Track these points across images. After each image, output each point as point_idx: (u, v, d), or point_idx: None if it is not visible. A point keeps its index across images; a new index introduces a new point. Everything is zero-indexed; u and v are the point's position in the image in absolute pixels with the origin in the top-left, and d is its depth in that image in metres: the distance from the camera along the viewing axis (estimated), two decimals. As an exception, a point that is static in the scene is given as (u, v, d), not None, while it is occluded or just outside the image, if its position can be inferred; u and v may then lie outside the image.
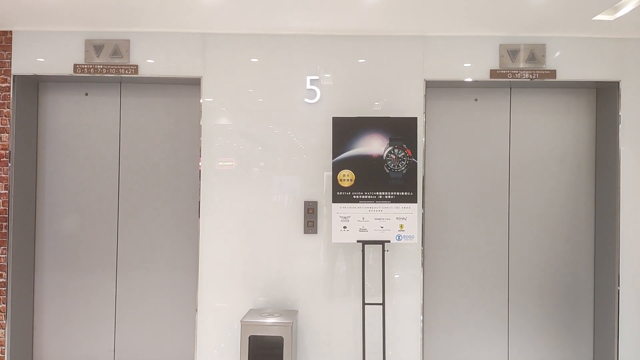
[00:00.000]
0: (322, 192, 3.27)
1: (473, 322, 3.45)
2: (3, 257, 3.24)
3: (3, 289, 3.24)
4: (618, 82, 3.23)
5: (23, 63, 3.27)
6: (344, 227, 3.03)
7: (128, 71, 3.26)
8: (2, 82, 3.25)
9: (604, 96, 3.38)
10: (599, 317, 3.39)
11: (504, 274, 3.47)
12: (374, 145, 3.04)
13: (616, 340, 3.18)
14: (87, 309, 3.45)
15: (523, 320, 3.45)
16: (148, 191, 3.48)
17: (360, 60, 3.28)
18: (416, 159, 3.04)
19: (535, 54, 3.24)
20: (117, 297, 3.46)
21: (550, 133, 3.46)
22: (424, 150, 3.27)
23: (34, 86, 3.44)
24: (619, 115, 3.21)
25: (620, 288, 3.19)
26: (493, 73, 3.25)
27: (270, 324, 2.97)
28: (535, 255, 3.46)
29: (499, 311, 3.45)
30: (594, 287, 3.44)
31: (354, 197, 3.03)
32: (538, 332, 3.45)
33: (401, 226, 3.03)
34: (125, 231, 3.47)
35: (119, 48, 3.26)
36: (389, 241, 3.02)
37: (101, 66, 3.26)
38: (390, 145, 3.03)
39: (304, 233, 3.26)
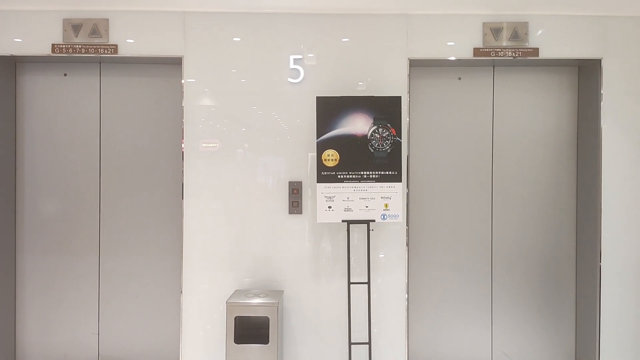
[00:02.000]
0: (307, 172, 3.26)
1: (457, 300, 3.48)
2: (-17, 242, 3.20)
3: (-16, 273, 3.20)
4: (600, 60, 3.24)
5: (0, 43, 3.19)
6: (329, 207, 3.03)
7: (107, 51, 3.20)
8: (-22, 63, 3.19)
9: (586, 74, 3.40)
10: (581, 292, 3.44)
11: (487, 252, 3.50)
12: (358, 124, 3.03)
13: (598, 315, 3.24)
14: (71, 293, 3.42)
15: (506, 297, 3.49)
16: (130, 173, 3.44)
17: (344, 39, 3.26)
18: (400, 138, 3.04)
19: (518, 32, 3.25)
20: (100, 280, 3.43)
21: (533, 111, 3.47)
22: (408, 130, 3.27)
23: (11, 67, 3.36)
24: (601, 93, 3.23)
25: (602, 263, 3.24)
26: (476, 51, 3.25)
27: (256, 305, 2.97)
28: (518, 232, 3.49)
29: (483, 289, 3.49)
30: (576, 263, 3.49)
31: (339, 176, 3.02)
32: (521, 308, 3.49)
33: (386, 205, 3.04)
34: (107, 213, 3.43)
35: (98, 27, 3.19)
36: (374, 220, 3.02)
37: (80, 46, 3.20)
38: (374, 125, 3.02)
39: (289, 213, 3.25)
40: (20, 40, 3.21)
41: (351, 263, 3.18)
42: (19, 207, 3.42)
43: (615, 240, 3.25)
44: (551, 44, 3.25)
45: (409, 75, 3.25)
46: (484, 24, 3.25)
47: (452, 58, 3.27)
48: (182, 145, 3.24)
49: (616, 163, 3.25)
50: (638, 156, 3.26)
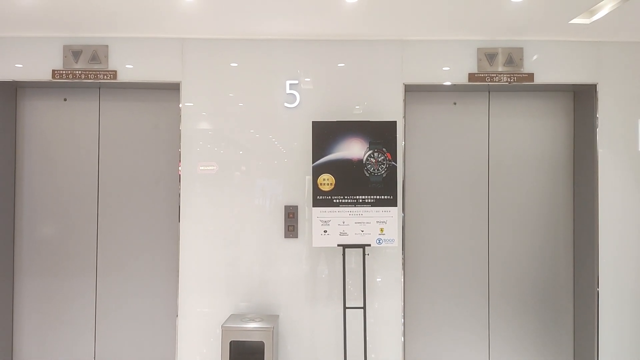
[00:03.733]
0: (304, 195, 3.27)
1: (454, 325, 3.46)
2: (-19, 264, 3.23)
3: (-19, 296, 3.22)
4: (595, 85, 3.25)
5: (1, 69, 3.25)
6: (325, 232, 3.03)
7: (107, 76, 3.25)
8: (-20, 88, 3.24)
9: (581, 99, 3.41)
10: (579, 318, 3.40)
11: (484, 276, 3.48)
12: (353, 149, 3.05)
13: (596, 342, 3.20)
14: (68, 314, 3.43)
15: (503, 321, 3.46)
16: (128, 196, 3.46)
17: (339, 65, 3.29)
18: (396, 163, 3.05)
19: (513, 57, 3.27)
20: (97, 302, 3.44)
21: (529, 136, 3.48)
22: (404, 154, 3.28)
23: (12, 92, 3.42)
24: (597, 118, 3.24)
25: (600, 289, 3.21)
26: (471, 77, 3.27)
27: (251, 329, 2.97)
28: (514, 258, 3.47)
29: (480, 313, 3.47)
30: (574, 288, 3.46)
31: (334, 201, 3.03)
32: (518, 333, 3.46)
33: (381, 230, 3.04)
34: (105, 236, 3.45)
35: (98, 53, 3.25)
36: (369, 245, 3.02)
37: (80, 72, 3.25)
38: (370, 149, 3.04)
39: (285, 237, 3.26)
40: (21, 66, 3.26)
41: (348, 287, 3.17)
42: (18, 228, 3.44)
43: (612, 265, 3.23)
44: (546, 70, 3.26)
45: (405, 100, 3.27)
46: (479, 50, 3.27)
47: (448, 83, 3.29)
48: (179, 168, 3.27)
49: (613, 187, 3.23)
50: (635, 180, 3.25)
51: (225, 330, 2.97)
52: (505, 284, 3.47)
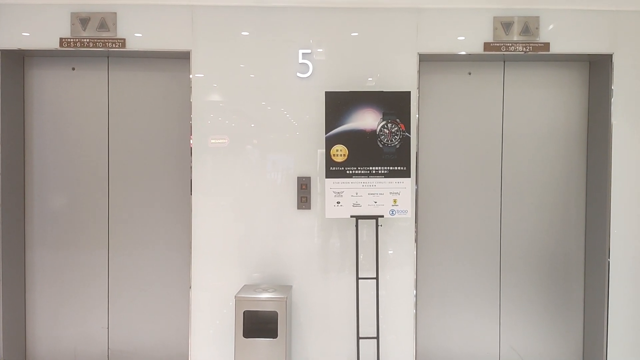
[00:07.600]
0: (316, 168, 3.25)
1: (465, 296, 3.48)
2: (-8, 236, 3.21)
3: (-6, 267, 3.21)
4: (611, 55, 3.22)
5: (8, 37, 3.18)
6: (338, 203, 3.02)
7: (115, 45, 3.19)
8: (-13, 57, 3.17)
9: (597, 69, 3.37)
10: (590, 288, 3.44)
11: (496, 248, 3.49)
12: (367, 120, 3.02)
13: (606, 311, 3.24)
14: (80, 287, 3.44)
15: (515, 292, 3.49)
16: (139, 168, 3.43)
17: (353, 34, 3.23)
18: (409, 134, 3.02)
19: (529, 26, 3.22)
20: (109, 275, 3.44)
21: (543, 107, 3.45)
22: (418, 125, 3.26)
23: (19, 61, 3.36)
24: (612, 89, 3.21)
25: (610, 260, 3.23)
26: (487, 46, 3.23)
27: (264, 299, 2.98)
28: (526, 228, 3.48)
29: (491, 284, 3.49)
30: (585, 259, 3.48)
31: (347, 172, 3.01)
32: (529, 304, 3.49)
33: (395, 201, 3.03)
34: (116, 208, 3.44)
35: (106, 21, 3.18)
36: (382, 216, 3.02)
37: (88, 40, 3.18)
38: (383, 120, 3.01)
39: (298, 209, 3.25)
40: (28, 34, 3.19)
41: (360, 259, 3.18)
42: (28, 202, 3.42)
43: (624, 237, 3.24)
44: (562, 39, 3.22)
45: (419, 70, 3.23)
46: (495, 18, 3.22)
47: (463, 53, 3.24)
48: (191, 140, 3.24)
49: (626, 159, 3.23)
50: (648, 152, 3.25)
51: (239, 300, 2.98)
52: (516, 254, 3.49)
